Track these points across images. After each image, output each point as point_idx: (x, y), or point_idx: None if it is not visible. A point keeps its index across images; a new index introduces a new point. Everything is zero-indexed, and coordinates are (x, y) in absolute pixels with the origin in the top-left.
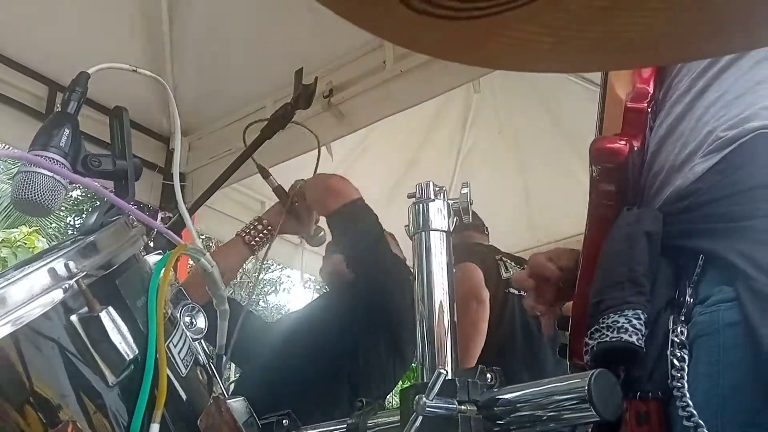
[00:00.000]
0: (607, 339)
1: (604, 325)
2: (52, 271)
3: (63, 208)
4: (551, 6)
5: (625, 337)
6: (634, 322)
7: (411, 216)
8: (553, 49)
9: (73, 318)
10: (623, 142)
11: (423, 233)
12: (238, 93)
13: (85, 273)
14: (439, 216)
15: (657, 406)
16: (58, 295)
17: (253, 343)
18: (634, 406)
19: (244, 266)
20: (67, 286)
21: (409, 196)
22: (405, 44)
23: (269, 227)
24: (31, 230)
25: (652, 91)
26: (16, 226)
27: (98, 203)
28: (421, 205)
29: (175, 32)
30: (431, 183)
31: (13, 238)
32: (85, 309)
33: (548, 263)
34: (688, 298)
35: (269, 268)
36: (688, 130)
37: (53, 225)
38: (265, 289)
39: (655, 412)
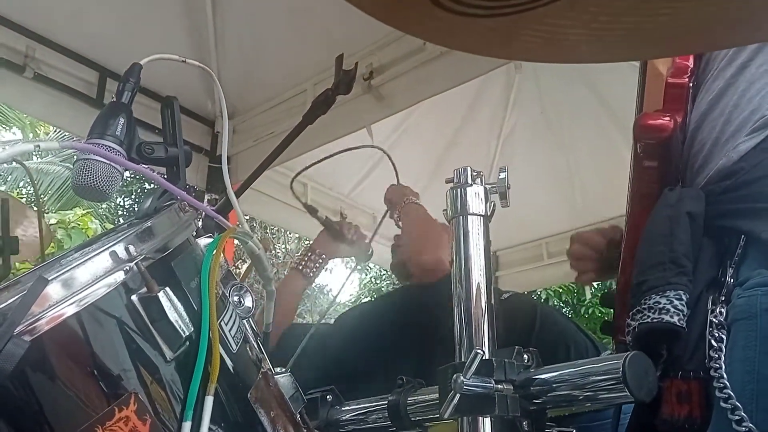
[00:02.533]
0: (649, 320)
1: (645, 305)
2: (114, 254)
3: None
4: (583, 0)
5: (667, 318)
6: (676, 302)
7: (449, 201)
8: (585, 41)
9: (134, 298)
10: (667, 119)
11: (461, 217)
12: (279, 77)
13: (143, 256)
14: (476, 200)
15: (698, 386)
16: (119, 276)
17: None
18: (675, 385)
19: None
20: (127, 268)
21: (447, 181)
22: (440, 42)
23: (322, 255)
24: (84, 212)
25: (692, 66)
26: (69, 208)
27: (146, 186)
28: (458, 189)
29: (218, 18)
30: (469, 168)
31: (68, 220)
32: (145, 289)
33: (594, 236)
34: (728, 279)
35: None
36: (730, 106)
37: (104, 206)
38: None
39: (696, 392)
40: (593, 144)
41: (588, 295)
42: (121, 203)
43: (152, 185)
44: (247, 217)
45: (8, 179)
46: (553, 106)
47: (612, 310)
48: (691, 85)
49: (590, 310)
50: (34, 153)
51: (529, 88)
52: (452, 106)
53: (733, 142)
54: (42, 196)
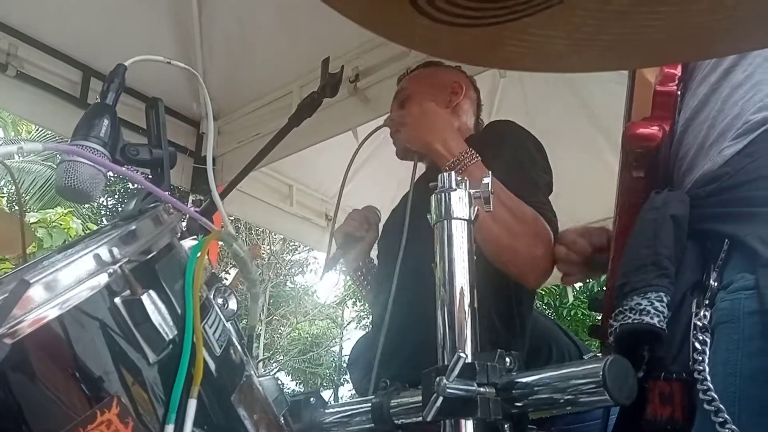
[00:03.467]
0: (629, 321)
1: (627, 307)
2: (97, 257)
3: None
4: (567, 11)
5: (647, 319)
6: (656, 304)
7: (433, 205)
8: (569, 51)
9: (117, 300)
10: (656, 128)
11: (445, 221)
12: (265, 78)
13: (127, 259)
14: (460, 205)
15: (681, 387)
16: (103, 279)
17: None
18: (658, 387)
19: (272, 248)
20: (111, 270)
21: (431, 186)
22: (424, 50)
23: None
24: (65, 211)
25: (680, 74)
26: (51, 207)
27: (129, 186)
28: (443, 194)
29: (204, 18)
30: (453, 173)
31: (49, 219)
32: (128, 292)
33: (579, 239)
34: (712, 282)
35: (296, 250)
36: (714, 111)
37: (86, 206)
38: (293, 270)
39: (678, 393)
40: (577, 149)
41: (570, 297)
42: (104, 203)
43: (136, 186)
44: (232, 218)
45: None
46: (538, 112)
47: (597, 314)
48: (679, 93)
49: (572, 312)
50: (16, 154)
51: (513, 93)
52: None
53: (718, 147)
54: (23, 194)
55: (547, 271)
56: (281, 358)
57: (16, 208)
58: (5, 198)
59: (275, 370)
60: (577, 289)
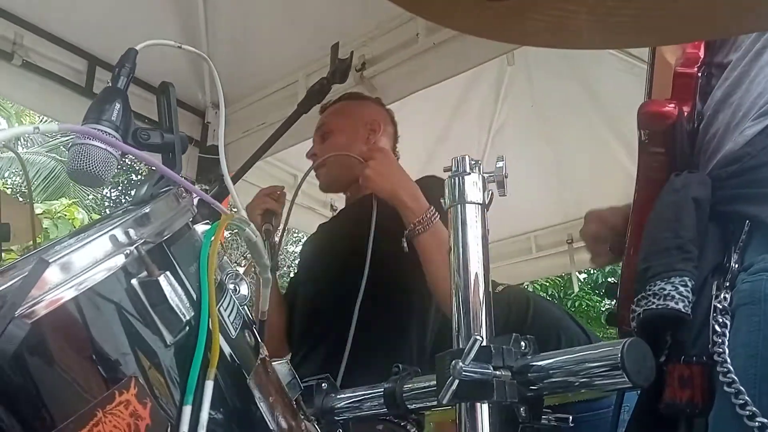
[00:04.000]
0: (654, 306)
1: (650, 292)
2: (113, 238)
3: None
4: None
5: (672, 304)
6: (681, 289)
7: (447, 189)
8: (589, 27)
9: (134, 282)
10: (672, 106)
11: (459, 206)
12: (271, 67)
13: (143, 240)
14: (474, 189)
15: (700, 371)
16: (119, 260)
17: None
18: (678, 370)
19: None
20: (128, 252)
21: (445, 170)
22: (441, 22)
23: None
24: (70, 202)
25: (702, 56)
26: (54, 198)
27: (133, 177)
28: (456, 178)
29: (209, 7)
30: (467, 157)
31: (54, 210)
32: (144, 273)
33: (610, 216)
34: (733, 264)
35: (300, 241)
36: (741, 92)
37: (90, 197)
38: (296, 262)
39: (698, 376)
40: (583, 139)
41: (576, 288)
42: (108, 194)
43: (140, 177)
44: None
45: None
46: (544, 101)
47: (605, 301)
48: (699, 75)
49: (577, 303)
50: (31, 135)
51: (519, 82)
52: (443, 99)
53: (740, 128)
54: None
55: None
56: None
57: (21, 199)
58: (9, 190)
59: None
60: (582, 280)
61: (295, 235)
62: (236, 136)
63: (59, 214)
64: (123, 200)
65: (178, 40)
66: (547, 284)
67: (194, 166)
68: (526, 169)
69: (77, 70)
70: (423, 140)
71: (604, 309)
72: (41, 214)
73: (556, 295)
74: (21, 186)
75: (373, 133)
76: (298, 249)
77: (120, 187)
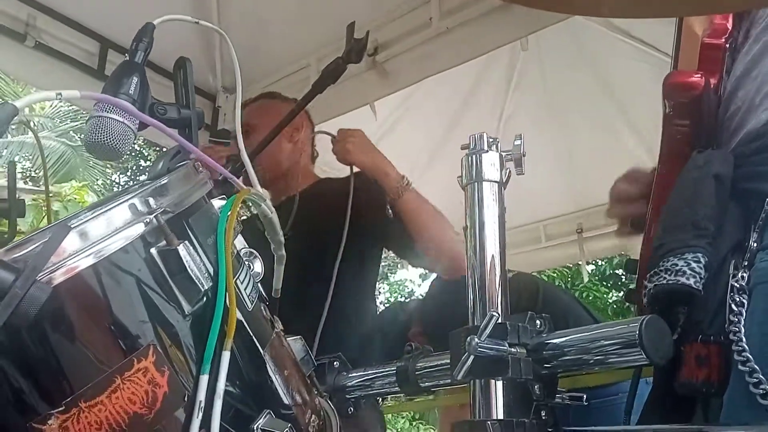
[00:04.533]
0: (664, 282)
1: (663, 268)
2: (133, 207)
3: (109, 165)
4: None
5: (683, 279)
6: (693, 265)
7: (464, 166)
8: None
9: (153, 251)
10: (698, 76)
11: (476, 184)
12: (282, 52)
13: (163, 209)
14: (491, 167)
15: (717, 350)
16: (139, 228)
17: None
18: (695, 349)
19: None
20: (147, 220)
21: (463, 147)
22: None
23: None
24: (81, 185)
25: (731, 28)
26: (64, 181)
27: (142, 164)
28: (474, 156)
29: None
30: (485, 134)
31: (63, 193)
32: (164, 243)
33: (640, 174)
34: (752, 242)
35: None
36: (766, 67)
37: (99, 181)
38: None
39: (715, 355)
40: (594, 128)
41: (585, 279)
42: (117, 180)
43: (148, 162)
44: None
45: (3, 154)
46: (556, 89)
47: (613, 293)
48: (727, 46)
49: (585, 294)
50: (41, 121)
51: (531, 70)
52: (454, 86)
53: (765, 104)
54: (37, 170)
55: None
56: None
57: (30, 184)
58: (20, 174)
59: None
60: (589, 271)
61: None
62: None
63: (69, 197)
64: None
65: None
66: (555, 275)
67: None
68: (536, 158)
69: (89, 52)
70: (434, 127)
71: (611, 301)
72: (51, 196)
73: (565, 286)
74: (30, 171)
75: (296, 131)
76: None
77: (129, 173)
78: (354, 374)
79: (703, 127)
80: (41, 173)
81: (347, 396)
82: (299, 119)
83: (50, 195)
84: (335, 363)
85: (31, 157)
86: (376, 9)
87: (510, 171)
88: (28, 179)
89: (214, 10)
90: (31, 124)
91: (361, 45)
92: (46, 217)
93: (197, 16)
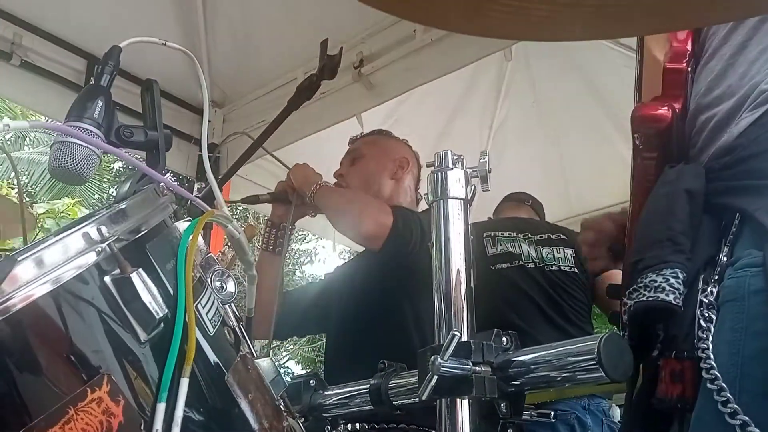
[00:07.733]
0: (644, 298)
1: (641, 284)
2: (86, 236)
3: (105, 180)
4: None
5: (662, 296)
6: (672, 281)
7: (429, 184)
8: (549, 18)
9: (107, 279)
10: (665, 108)
11: (441, 201)
12: (270, 66)
13: (116, 237)
14: (457, 184)
15: (692, 365)
16: (91, 257)
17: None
18: (669, 365)
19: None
20: (100, 249)
21: (428, 165)
22: (401, 15)
23: (281, 225)
24: (74, 201)
25: (690, 50)
26: (59, 198)
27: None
28: (439, 173)
29: (209, 6)
30: (450, 152)
31: (57, 210)
32: (118, 271)
33: (605, 221)
34: (722, 257)
35: (305, 239)
36: (733, 87)
37: (96, 196)
38: (301, 260)
39: (689, 371)
40: (585, 134)
41: None
42: (113, 194)
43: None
44: (241, 207)
45: None
46: (546, 97)
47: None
48: (689, 69)
49: None
50: (37, 135)
51: (521, 78)
52: (444, 95)
53: (735, 119)
54: (33, 186)
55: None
56: (291, 346)
57: (27, 199)
58: (15, 190)
59: (285, 358)
60: None
61: (299, 233)
62: (236, 134)
63: (62, 214)
64: None
65: (178, 39)
66: None
67: (194, 164)
68: (528, 166)
69: (76, 70)
70: (424, 137)
71: (611, 311)
72: (44, 213)
73: None
74: (26, 186)
75: (401, 169)
76: (302, 247)
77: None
78: (330, 392)
79: (672, 156)
80: (37, 189)
81: (324, 415)
82: (407, 158)
83: (43, 213)
84: (311, 381)
85: (27, 173)
86: (361, 22)
87: (475, 187)
88: (25, 195)
89: (201, 26)
90: (27, 139)
91: (335, 62)
92: (26, 234)
93: (184, 32)
